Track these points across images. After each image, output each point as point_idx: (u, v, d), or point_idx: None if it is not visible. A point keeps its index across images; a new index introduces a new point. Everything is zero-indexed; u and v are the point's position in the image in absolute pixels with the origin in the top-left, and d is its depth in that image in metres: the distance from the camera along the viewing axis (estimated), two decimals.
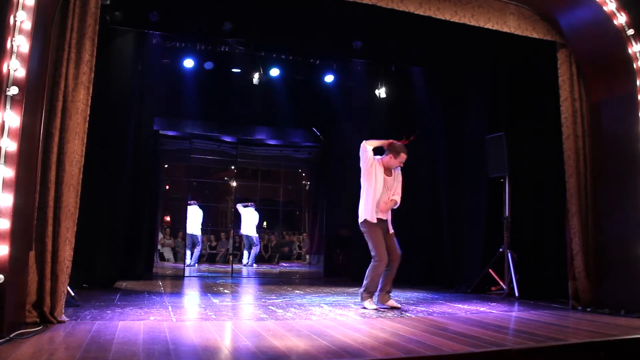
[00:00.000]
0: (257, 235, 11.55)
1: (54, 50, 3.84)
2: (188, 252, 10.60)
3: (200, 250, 11.11)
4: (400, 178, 5.12)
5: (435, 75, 7.84)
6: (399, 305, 4.94)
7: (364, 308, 4.82)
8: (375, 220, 4.90)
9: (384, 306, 4.93)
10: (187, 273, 8.85)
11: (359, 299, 5.01)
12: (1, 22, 3.23)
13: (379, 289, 4.98)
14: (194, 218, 10.66)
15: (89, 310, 4.25)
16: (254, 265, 11.34)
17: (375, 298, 4.99)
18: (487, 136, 6.69)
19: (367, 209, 4.92)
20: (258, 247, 11.61)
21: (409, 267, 7.73)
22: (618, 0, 4.91)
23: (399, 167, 5.11)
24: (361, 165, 5.02)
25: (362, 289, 4.95)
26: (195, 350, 2.99)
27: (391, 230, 5.03)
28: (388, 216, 5.04)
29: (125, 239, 6.73)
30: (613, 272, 5.05)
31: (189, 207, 10.51)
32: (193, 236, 10.65)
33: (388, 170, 5.04)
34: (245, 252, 11.51)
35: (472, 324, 4.07)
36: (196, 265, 10.71)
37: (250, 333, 3.52)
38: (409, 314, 4.58)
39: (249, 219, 11.39)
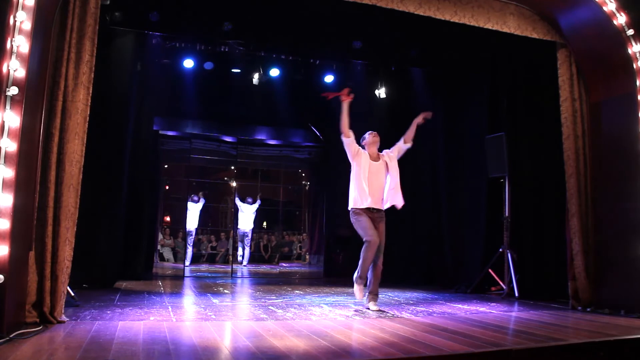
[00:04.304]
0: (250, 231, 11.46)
1: (54, 50, 3.84)
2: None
3: (192, 249, 11.06)
4: (394, 164, 5.05)
5: (435, 76, 7.84)
6: (378, 309, 4.80)
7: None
8: (363, 205, 4.87)
9: (365, 305, 4.92)
10: (187, 273, 8.85)
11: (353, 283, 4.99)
12: (1, 22, 3.23)
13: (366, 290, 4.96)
14: (191, 214, 10.68)
15: (89, 310, 4.25)
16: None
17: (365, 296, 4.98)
18: (487, 136, 6.69)
19: (354, 197, 4.93)
20: (249, 245, 11.53)
21: (409, 267, 7.75)
22: (618, 1, 4.92)
23: (390, 154, 5.10)
24: (348, 156, 5.08)
25: (356, 274, 4.92)
26: (195, 350, 2.99)
27: (381, 226, 4.94)
28: (381, 206, 4.96)
29: (125, 239, 6.73)
30: (613, 272, 5.05)
31: (189, 204, 10.54)
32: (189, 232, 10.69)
33: (374, 156, 5.07)
34: (240, 250, 11.48)
35: (472, 324, 4.07)
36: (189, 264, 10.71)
37: (250, 333, 3.52)
38: (409, 314, 4.58)
39: (247, 214, 11.37)
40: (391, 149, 5.19)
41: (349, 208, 5.00)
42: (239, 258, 11.45)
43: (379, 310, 4.75)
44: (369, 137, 5.13)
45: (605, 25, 5.01)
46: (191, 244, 10.84)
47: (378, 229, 4.92)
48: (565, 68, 5.43)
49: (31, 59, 3.32)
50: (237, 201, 11.44)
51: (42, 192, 3.70)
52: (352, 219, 4.97)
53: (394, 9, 4.81)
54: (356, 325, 3.95)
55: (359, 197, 4.92)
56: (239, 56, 7.80)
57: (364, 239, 4.86)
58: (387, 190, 5.00)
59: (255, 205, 11.48)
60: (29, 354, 2.77)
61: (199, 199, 10.90)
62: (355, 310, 4.73)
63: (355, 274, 4.93)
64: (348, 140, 5.01)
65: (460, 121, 7.38)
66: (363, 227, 4.87)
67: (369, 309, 4.81)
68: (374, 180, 4.96)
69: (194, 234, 10.98)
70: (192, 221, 10.79)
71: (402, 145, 5.19)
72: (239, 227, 11.43)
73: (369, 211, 4.90)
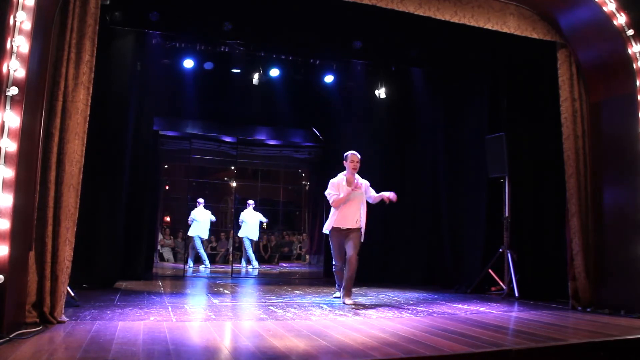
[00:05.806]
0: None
1: (54, 50, 3.85)
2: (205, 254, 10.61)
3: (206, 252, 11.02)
4: (366, 184, 5.41)
5: (435, 76, 7.84)
6: (353, 303, 5.20)
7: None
8: (327, 232, 5.36)
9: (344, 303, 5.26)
10: (186, 273, 8.85)
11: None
12: (1, 22, 3.23)
13: (342, 286, 5.39)
14: (206, 219, 10.53)
15: (89, 310, 4.25)
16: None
17: (341, 293, 5.41)
18: (487, 136, 6.70)
19: (329, 222, 5.32)
20: (248, 250, 11.28)
21: (409, 267, 7.74)
22: (618, 1, 4.92)
23: (361, 180, 5.36)
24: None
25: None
26: (195, 350, 2.99)
27: (354, 237, 5.23)
28: (352, 225, 5.26)
29: (125, 239, 6.73)
30: (613, 272, 5.05)
31: (197, 209, 10.43)
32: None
33: (350, 183, 5.32)
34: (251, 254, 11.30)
35: (472, 324, 4.07)
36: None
37: (250, 333, 3.52)
38: (409, 314, 4.59)
39: (253, 220, 11.18)
40: (368, 186, 5.46)
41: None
42: (252, 263, 11.25)
43: (354, 304, 5.15)
44: (353, 157, 5.31)
45: (605, 25, 5.01)
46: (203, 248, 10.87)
47: (347, 246, 5.28)
48: (565, 68, 5.43)
49: (31, 59, 3.32)
50: (242, 215, 11.15)
51: (42, 192, 3.70)
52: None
53: (394, 9, 4.82)
54: (356, 325, 3.95)
55: (329, 223, 5.30)
56: (239, 56, 7.80)
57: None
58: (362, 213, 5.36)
59: (259, 217, 11.22)
60: (29, 354, 2.77)
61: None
62: (356, 311, 4.74)
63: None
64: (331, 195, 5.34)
65: (460, 121, 7.38)
66: (332, 249, 5.39)
67: (345, 303, 5.18)
68: (353, 205, 5.28)
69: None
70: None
71: (370, 194, 5.42)
72: (246, 235, 11.16)
73: (339, 230, 5.29)
